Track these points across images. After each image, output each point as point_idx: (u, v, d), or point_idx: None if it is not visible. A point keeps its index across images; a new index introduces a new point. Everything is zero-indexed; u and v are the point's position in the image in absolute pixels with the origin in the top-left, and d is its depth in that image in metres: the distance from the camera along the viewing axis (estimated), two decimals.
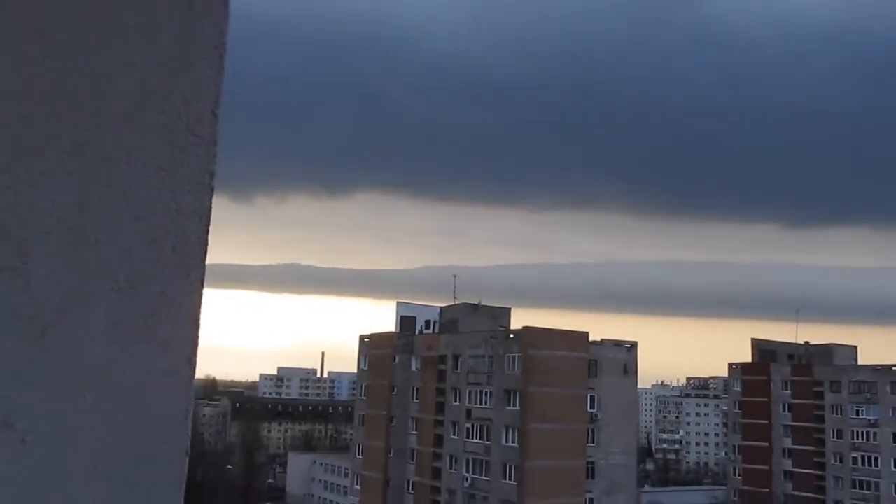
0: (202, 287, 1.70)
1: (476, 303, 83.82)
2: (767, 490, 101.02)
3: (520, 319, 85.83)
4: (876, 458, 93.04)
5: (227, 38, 1.71)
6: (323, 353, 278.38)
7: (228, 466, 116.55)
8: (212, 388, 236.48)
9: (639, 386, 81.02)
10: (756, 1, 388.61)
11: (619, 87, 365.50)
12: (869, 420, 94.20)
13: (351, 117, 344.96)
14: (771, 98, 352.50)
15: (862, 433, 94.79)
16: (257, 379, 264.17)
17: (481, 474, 70.72)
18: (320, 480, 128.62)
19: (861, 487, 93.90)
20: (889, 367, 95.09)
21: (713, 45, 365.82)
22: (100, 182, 1.56)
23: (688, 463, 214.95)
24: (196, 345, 1.67)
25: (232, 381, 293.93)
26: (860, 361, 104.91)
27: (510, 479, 67.36)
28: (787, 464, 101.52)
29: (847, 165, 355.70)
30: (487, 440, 70.39)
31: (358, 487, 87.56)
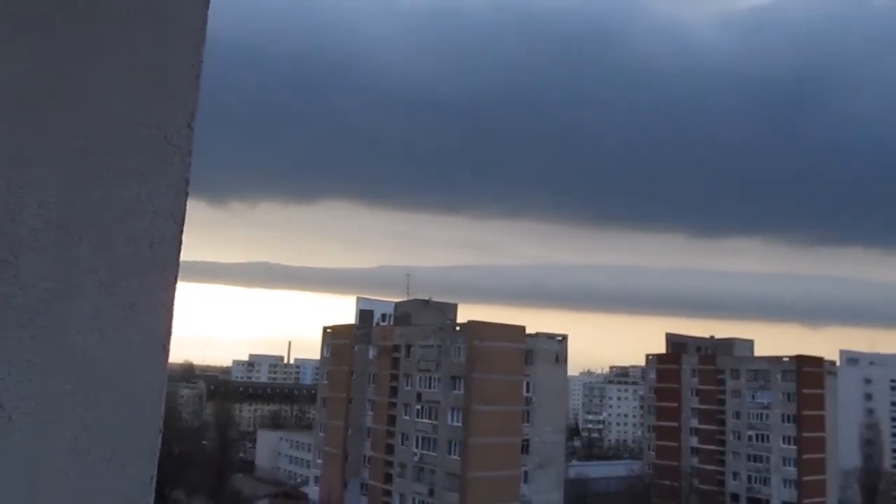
0: (176, 282, 1.72)
1: (427, 299, 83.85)
2: (677, 463, 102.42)
3: (465, 314, 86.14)
4: (768, 436, 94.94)
5: (203, 56, 1.75)
6: (290, 342, 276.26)
7: (204, 442, 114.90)
8: (189, 372, 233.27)
9: (568, 373, 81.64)
10: (667, 39, 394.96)
11: (552, 110, 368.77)
12: (762, 403, 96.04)
13: (317, 134, 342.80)
14: (680, 125, 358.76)
15: (756, 414, 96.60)
16: (230, 364, 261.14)
17: (429, 450, 70.80)
18: (286, 455, 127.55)
19: (755, 461, 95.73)
20: (779, 357, 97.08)
21: (632, 77, 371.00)
22: (85, 186, 1.59)
23: (609, 440, 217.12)
24: (170, 333, 1.69)
25: (208, 366, 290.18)
26: (756, 353, 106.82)
27: (455, 455, 67.54)
28: (694, 441, 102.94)
29: (743, 185, 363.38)
30: (435, 420, 70.51)
31: (320, 461, 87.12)
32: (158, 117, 1.68)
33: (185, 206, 1.72)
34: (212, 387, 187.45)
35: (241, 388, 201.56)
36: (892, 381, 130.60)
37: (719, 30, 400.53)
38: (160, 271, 1.67)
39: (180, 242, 1.71)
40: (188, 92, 1.73)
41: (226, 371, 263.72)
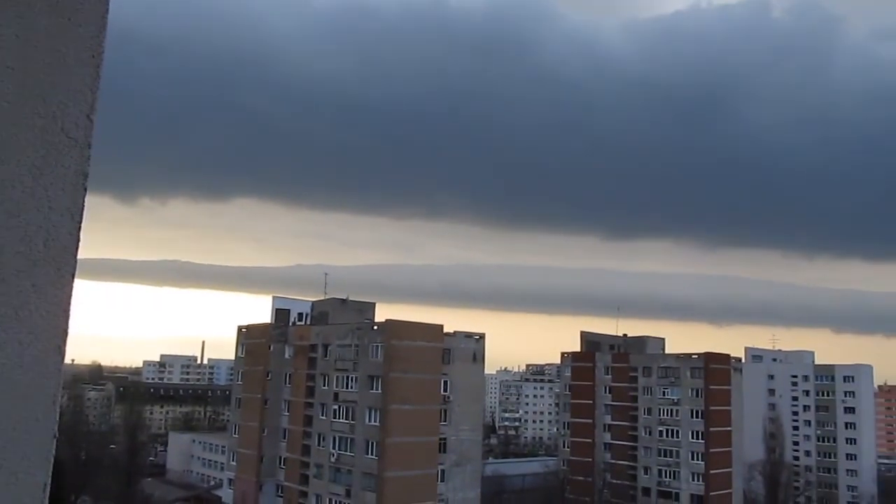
0: (73, 280, 1.65)
1: (344, 298, 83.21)
2: (590, 459, 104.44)
3: (383, 313, 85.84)
4: (677, 431, 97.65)
5: (104, 47, 1.71)
6: (203, 342, 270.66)
7: (112, 446, 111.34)
8: (97, 374, 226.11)
9: (485, 371, 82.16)
10: (577, 45, 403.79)
11: (467, 112, 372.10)
12: (673, 399, 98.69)
13: (229, 130, 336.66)
14: (592, 129, 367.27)
15: (667, 410, 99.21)
16: (141, 365, 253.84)
17: (346, 450, 70.26)
18: (199, 458, 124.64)
19: (665, 455, 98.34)
20: (689, 355, 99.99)
21: (544, 81, 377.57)
22: None
23: (526, 438, 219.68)
24: (66, 334, 1.62)
25: (117, 367, 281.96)
26: (667, 351, 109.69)
27: (372, 454, 67.21)
28: (607, 437, 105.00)
29: (653, 188, 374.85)
30: (352, 420, 70.01)
31: (234, 463, 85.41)
32: (55, 109, 1.63)
33: (84, 201, 1.67)
34: (121, 388, 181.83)
35: (151, 390, 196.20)
36: (793, 376, 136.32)
37: (626, 38, 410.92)
38: (55, 269, 1.61)
39: (78, 239, 1.65)
40: (88, 83, 1.67)
41: (136, 372, 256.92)
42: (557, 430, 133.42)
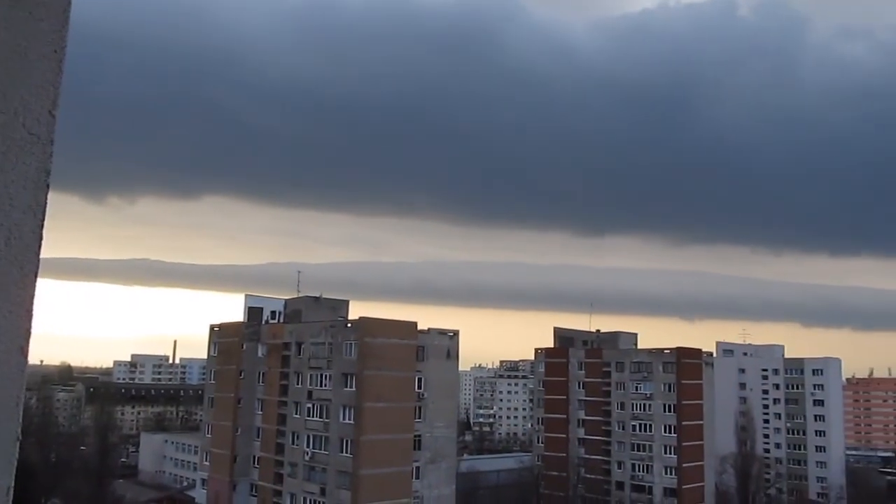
0: (36, 279, 1.62)
1: (317, 296, 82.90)
2: (565, 454, 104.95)
3: (356, 311, 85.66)
4: (650, 425, 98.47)
5: (67, 42, 1.67)
6: (175, 342, 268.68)
7: (82, 447, 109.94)
8: (67, 374, 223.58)
9: (459, 368, 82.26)
10: (545, 42, 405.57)
11: (436, 110, 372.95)
12: (645, 394, 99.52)
13: (199, 128, 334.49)
14: (560, 126, 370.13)
15: (640, 405, 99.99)
16: (112, 365, 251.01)
17: (321, 448, 70.05)
18: (171, 458, 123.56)
19: (638, 449, 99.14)
20: (661, 350, 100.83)
21: (512, 77, 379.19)
22: None
23: (500, 434, 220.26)
24: (29, 334, 1.59)
25: (87, 368, 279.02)
26: (639, 346, 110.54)
27: (347, 452, 67.05)
28: (581, 432, 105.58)
29: (621, 185, 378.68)
30: (326, 418, 69.80)
31: (207, 463, 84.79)
32: (16, 105, 1.60)
33: (47, 198, 1.63)
34: (91, 389, 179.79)
35: (123, 390, 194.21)
36: (764, 370, 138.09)
37: (595, 35, 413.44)
38: (18, 268, 1.57)
39: (41, 237, 1.62)
40: (50, 78, 1.64)
41: (107, 372, 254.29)
42: (531, 425, 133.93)
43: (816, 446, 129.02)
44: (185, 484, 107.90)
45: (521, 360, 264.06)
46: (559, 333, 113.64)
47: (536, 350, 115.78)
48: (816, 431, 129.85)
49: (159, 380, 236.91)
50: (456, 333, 76.09)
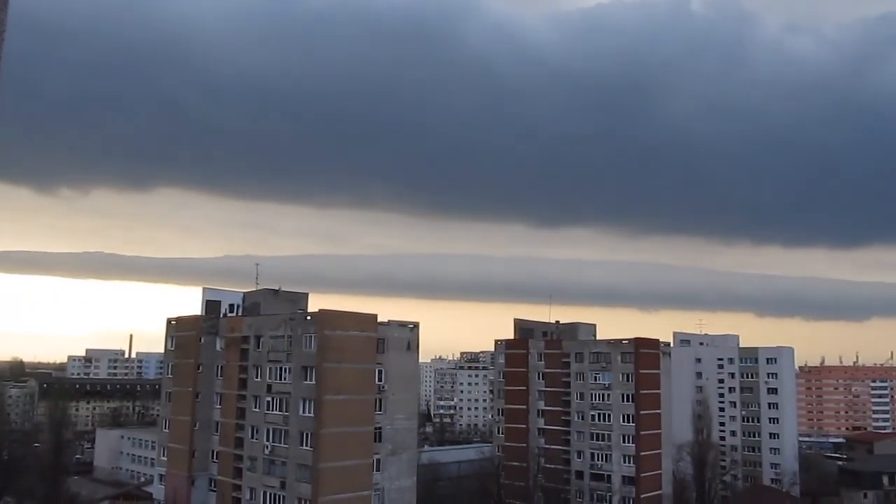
0: None
1: (276, 289, 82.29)
2: (525, 444, 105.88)
3: (316, 303, 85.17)
4: (609, 415, 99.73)
5: (5, 36, 1.65)
6: (131, 336, 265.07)
7: (36, 444, 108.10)
8: (19, 370, 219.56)
9: (420, 360, 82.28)
10: (501, 36, 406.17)
11: (394, 103, 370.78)
12: (604, 384, 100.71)
13: (151, 120, 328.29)
14: (516, 119, 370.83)
15: (599, 395, 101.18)
16: (66, 360, 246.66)
17: (281, 442, 69.67)
18: (128, 454, 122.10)
19: (598, 439, 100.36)
20: (619, 340, 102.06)
21: (474, 76, 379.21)
22: None
23: (461, 425, 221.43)
24: None
25: (40, 363, 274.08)
26: (598, 337, 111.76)
27: (307, 445, 66.81)
28: (541, 422, 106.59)
29: (578, 177, 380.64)
30: (286, 411, 69.45)
31: (165, 458, 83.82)
32: None
33: None
34: (44, 385, 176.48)
35: (77, 385, 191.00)
36: (720, 359, 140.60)
37: (550, 29, 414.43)
38: None
39: None
40: None
41: (61, 367, 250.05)
42: (492, 416, 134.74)
43: (770, 433, 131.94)
44: (142, 480, 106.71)
45: (481, 352, 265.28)
46: (519, 325, 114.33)
47: (496, 341, 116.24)
48: (770, 419, 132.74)
49: (115, 375, 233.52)
50: (416, 325, 76.10)
